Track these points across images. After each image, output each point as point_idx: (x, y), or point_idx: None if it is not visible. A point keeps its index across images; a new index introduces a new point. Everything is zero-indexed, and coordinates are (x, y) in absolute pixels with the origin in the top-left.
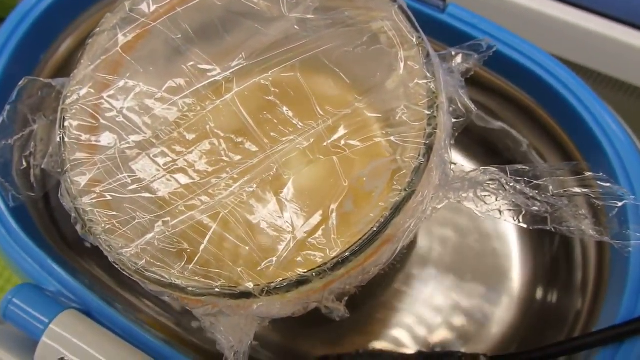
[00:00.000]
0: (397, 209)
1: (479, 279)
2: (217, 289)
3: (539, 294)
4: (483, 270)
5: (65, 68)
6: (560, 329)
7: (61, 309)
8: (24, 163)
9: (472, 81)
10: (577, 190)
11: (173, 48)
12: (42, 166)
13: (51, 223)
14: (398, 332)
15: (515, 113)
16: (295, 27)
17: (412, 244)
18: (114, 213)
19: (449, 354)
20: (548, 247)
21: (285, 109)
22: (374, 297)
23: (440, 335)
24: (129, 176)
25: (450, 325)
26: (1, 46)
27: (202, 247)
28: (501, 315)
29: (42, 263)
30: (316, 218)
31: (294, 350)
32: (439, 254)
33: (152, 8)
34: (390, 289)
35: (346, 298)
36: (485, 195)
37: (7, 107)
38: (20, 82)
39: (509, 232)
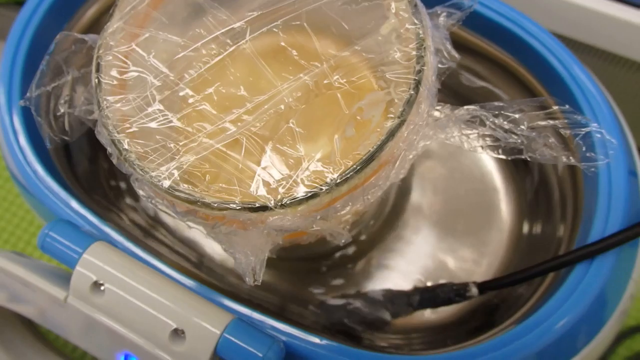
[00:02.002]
0: (391, 134)
1: (470, 222)
2: (238, 204)
3: (525, 228)
4: (473, 213)
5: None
6: (545, 257)
7: (93, 240)
8: (60, 109)
9: (460, 46)
10: (548, 122)
11: (194, 3)
12: (75, 113)
13: (75, 180)
14: (397, 275)
15: (497, 73)
16: None
17: (406, 192)
18: (145, 142)
19: (442, 285)
20: (530, 185)
21: (293, 52)
22: (373, 247)
23: (437, 274)
24: (158, 111)
25: (446, 265)
26: (30, 13)
27: (224, 169)
28: (492, 252)
29: (71, 206)
30: (322, 143)
31: (302, 296)
32: (433, 202)
33: None
34: (389, 237)
35: (348, 226)
36: (469, 133)
37: (46, 58)
38: (57, 37)
39: (495, 177)
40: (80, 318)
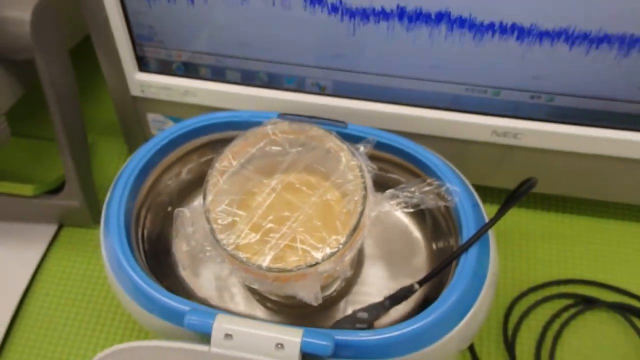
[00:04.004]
0: (361, 214)
1: (402, 256)
2: (306, 264)
3: (434, 247)
4: (402, 250)
5: (153, 190)
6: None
7: (214, 313)
8: (185, 247)
9: (376, 159)
10: (427, 188)
11: (239, 170)
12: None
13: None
14: (371, 298)
15: (398, 168)
16: (295, 155)
17: (362, 248)
18: (247, 250)
19: (399, 290)
20: (429, 222)
21: (304, 188)
22: (352, 285)
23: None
24: (248, 233)
25: (397, 284)
26: (124, 184)
27: (293, 253)
28: (420, 268)
29: (185, 302)
30: (332, 226)
31: (317, 325)
32: (377, 250)
33: (232, 162)
34: (361, 277)
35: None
36: (392, 203)
37: (175, 228)
38: (175, 212)
39: (409, 225)
40: (219, 359)
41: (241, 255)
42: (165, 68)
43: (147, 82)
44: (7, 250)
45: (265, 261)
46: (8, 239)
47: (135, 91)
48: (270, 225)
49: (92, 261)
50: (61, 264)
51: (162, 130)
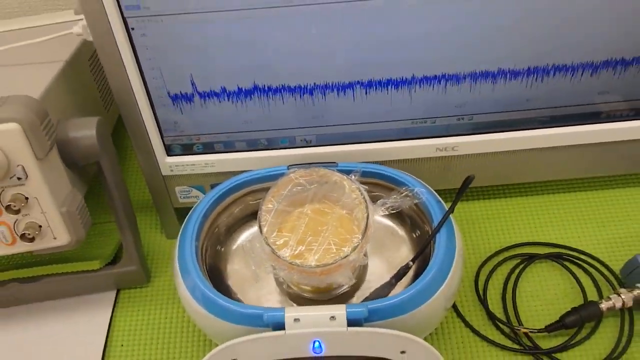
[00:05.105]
0: (367, 219)
1: (392, 248)
2: (340, 257)
3: (414, 235)
4: (392, 244)
5: (208, 233)
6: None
7: (283, 308)
8: (253, 267)
9: (365, 182)
10: (403, 193)
11: (278, 207)
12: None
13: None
14: (378, 283)
15: (378, 187)
16: (314, 189)
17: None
18: (299, 258)
19: (400, 268)
20: (407, 220)
21: (326, 210)
22: (363, 276)
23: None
24: (296, 247)
25: (393, 269)
26: (192, 227)
27: (328, 253)
28: (406, 252)
29: (249, 306)
30: (350, 230)
31: None
32: (375, 248)
33: (274, 203)
34: (370, 267)
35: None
36: (382, 209)
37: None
38: (245, 246)
39: (394, 226)
40: (292, 338)
41: (297, 261)
42: (187, 150)
43: (174, 163)
44: (81, 318)
45: (314, 262)
46: (79, 310)
47: (165, 172)
48: (310, 238)
49: (152, 311)
50: (127, 319)
51: (188, 197)
